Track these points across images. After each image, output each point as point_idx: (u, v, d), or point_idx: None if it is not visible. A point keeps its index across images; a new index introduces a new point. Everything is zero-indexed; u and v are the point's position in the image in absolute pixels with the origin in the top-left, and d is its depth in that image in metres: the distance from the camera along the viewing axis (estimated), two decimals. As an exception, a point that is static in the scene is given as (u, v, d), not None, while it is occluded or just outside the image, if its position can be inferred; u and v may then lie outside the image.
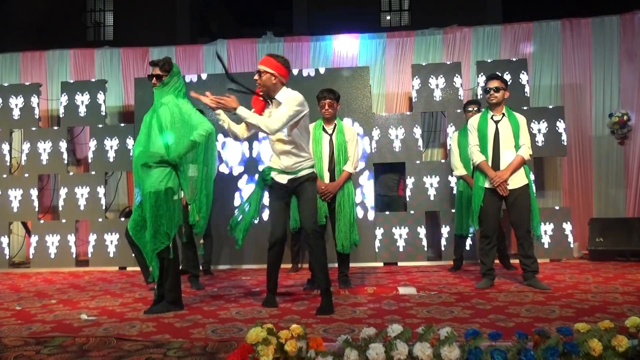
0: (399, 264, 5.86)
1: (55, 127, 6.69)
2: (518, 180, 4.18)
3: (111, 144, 6.38)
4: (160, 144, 3.53)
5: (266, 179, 3.70)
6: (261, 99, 3.59)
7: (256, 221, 3.93)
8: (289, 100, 3.50)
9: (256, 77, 3.55)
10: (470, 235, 5.30)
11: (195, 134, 3.52)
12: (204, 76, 6.38)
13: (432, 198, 6.04)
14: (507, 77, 6.01)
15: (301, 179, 3.60)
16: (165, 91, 3.62)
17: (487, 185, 4.21)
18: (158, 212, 3.47)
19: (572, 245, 5.93)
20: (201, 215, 3.65)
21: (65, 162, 6.44)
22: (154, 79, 3.63)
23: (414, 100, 6.27)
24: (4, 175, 6.48)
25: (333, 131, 4.49)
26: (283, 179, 3.62)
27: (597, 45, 6.66)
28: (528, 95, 6.19)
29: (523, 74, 6.16)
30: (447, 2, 13.00)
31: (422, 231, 5.95)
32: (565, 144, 6.07)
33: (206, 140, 3.57)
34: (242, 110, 3.41)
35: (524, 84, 6.16)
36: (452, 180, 5.87)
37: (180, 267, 4.10)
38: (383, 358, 2.05)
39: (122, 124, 6.66)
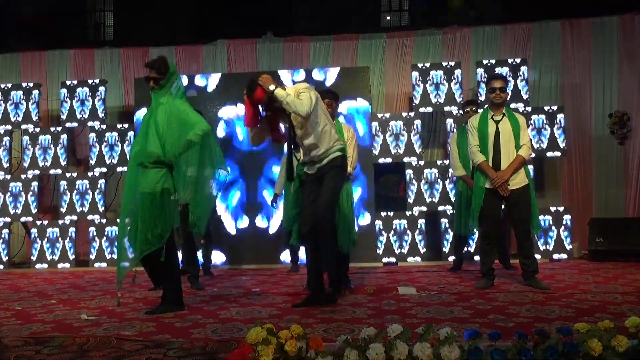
0: (399, 264, 5.86)
1: (56, 127, 6.69)
2: (519, 180, 4.17)
3: (111, 144, 6.38)
4: (157, 143, 3.51)
5: (300, 176, 3.90)
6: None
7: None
8: (300, 85, 3.62)
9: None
10: (470, 235, 5.30)
11: (191, 134, 3.48)
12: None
13: (432, 198, 6.04)
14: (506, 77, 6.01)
15: (327, 167, 3.63)
16: (162, 93, 3.61)
17: (487, 185, 4.20)
18: (152, 214, 3.43)
19: (572, 245, 5.93)
20: (195, 215, 3.60)
21: (65, 162, 6.44)
22: (152, 82, 3.62)
23: (414, 100, 6.26)
24: (4, 175, 6.47)
25: (333, 131, 4.50)
26: (313, 169, 3.70)
27: (597, 45, 6.66)
28: (528, 95, 6.19)
29: (523, 74, 6.16)
30: (447, 2, 12.97)
31: (422, 231, 5.95)
32: (565, 144, 6.07)
33: (202, 139, 3.53)
34: (279, 91, 3.45)
35: (524, 84, 6.16)
36: (452, 181, 5.87)
37: (180, 267, 4.09)
38: (383, 358, 2.05)
39: (122, 124, 6.65)
